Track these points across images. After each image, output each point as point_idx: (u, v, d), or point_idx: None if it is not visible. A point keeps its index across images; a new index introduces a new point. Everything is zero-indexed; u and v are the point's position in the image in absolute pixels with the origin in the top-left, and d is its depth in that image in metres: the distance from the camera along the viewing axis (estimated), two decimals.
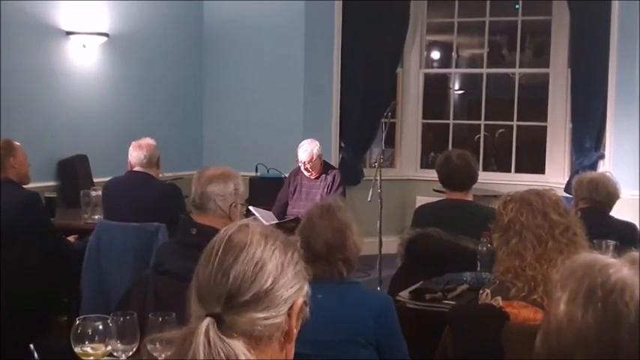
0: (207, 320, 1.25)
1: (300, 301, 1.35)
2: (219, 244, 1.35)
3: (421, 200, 7.16)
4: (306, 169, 5.70)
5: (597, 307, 1.17)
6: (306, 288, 1.38)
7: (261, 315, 1.29)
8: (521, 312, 2.31)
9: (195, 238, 2.77)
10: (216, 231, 3.00)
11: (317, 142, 5.73)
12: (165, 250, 3.04)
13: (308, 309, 1.39)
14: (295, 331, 1.36)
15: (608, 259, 1.23)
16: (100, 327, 1.98)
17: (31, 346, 1.91)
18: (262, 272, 1.31)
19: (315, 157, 5.66)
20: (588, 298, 1.18)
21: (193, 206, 3.04)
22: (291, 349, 1.37)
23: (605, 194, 3.89)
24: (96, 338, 1.98)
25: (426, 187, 7.19)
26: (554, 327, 1.21)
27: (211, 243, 1.38)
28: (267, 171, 6.99)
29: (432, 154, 8.43)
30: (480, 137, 8.12)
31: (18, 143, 4.40)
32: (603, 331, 1.16)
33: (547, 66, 7.71)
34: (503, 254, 2.46)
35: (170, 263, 2.80)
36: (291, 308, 1.33)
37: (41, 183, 5.42)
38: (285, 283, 1.33)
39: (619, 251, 3.02)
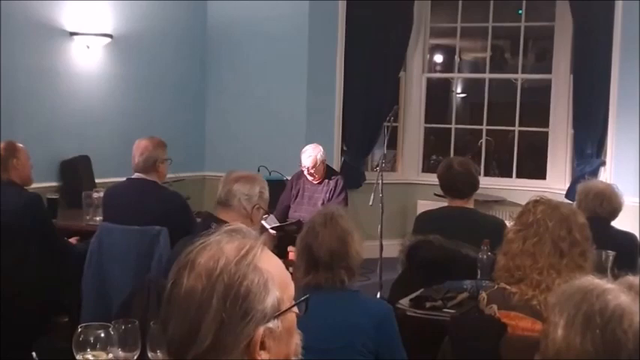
0: None
1: (259, 332, 1.24)
2: (166, 288, 1.28)
3: (422, 204, 7.17)
4: (310, 174, 5.72)
5: (596, 333, 1.18)
6: (271, 303, 1.26)
7: None
8: (519, 324, 2.32)
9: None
10: None
11: (321, 148, 5.76)
12: (184, 247, 3.06)
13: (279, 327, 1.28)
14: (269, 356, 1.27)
15: (605, 284, 1.24)
16: (102, 335, 1.99)
17: (34, 354, 1.92)
18: (200, 333, 1.21)
19: (318, 163, 5.69)
20: (586, 324, 1.19)
21: (218, 203, 3.15)
22: None
23: (609, 210, 3.86)
24: (98, 346, 1.99)
25: (427, 191, 7.19)
26: (552, 352, 1.22)
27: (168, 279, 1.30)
28: (270, 174, 6.99)
29: (434, 157, 8.45)
30: (482, 142, 8.13)
31: (21, 145, 4.39)
32: (602, 358, 1.17)
33: (550, 71, 7.71)
34: (516, 249, 2.43)
35: None
36: (248, 344, 1.24)
37: (43, 183, 5.44)
38: (231, 329, 1.22)
39: (619, 262, 3.04)
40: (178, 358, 1.22)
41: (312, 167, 5.68)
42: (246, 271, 1.25)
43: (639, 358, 1.17)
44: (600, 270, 2.90)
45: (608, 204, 3.87)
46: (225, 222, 2.90)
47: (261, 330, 1.24)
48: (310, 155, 5.69)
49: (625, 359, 1.17)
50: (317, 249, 2.54)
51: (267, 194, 3.22)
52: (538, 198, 2.53)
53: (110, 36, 6.38)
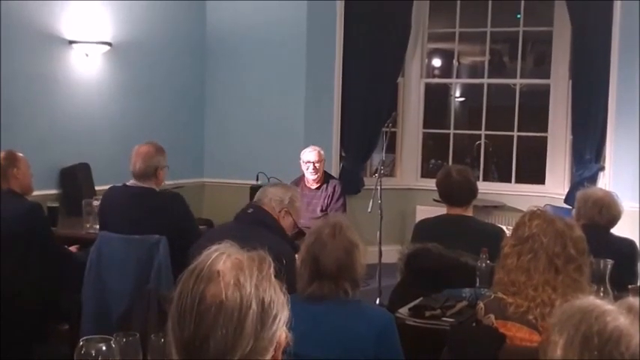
0: None
1: (283, 335, 1.32)
2: (192, 302, 1.29)
3: (421, 209, 7.19)
4: (314, 170, 5.75)
5: (594, 354, 1.20)
6: (287, 313, 1.34)
7: None
8: (517, 334, 2.33)
9: (251, 216, 3.34)
10: (268, 213, 3.23)
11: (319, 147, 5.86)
12: (221, 232, 3.24)
13: (290, 332, 1.36)
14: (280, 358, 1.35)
15: (605, 305, 1.25)
16: (104, 348, 2.00)
17: None
18: (242, 335, 1.27)
19: (322, 157, 5.77)
20: (585, 345, 1.21)
21: (254, 202, 3.48)
22: None
23: (607, 218, 3.85)
24: (99, 359, 1.99)
25: (426, 197, 7.21)
26: None
27: (183, 294, 1.31)
28: (268, 180, 6.99)
29: (433, 161, 8.46)
30: (480, 144, 8.14)
31: (21, 154, 4.39)
32: None
33: (548, 75, 7.73)
34: (511, 264, 2.43)
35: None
36: (275, 346, 1.31)
37: (43, 191, 5.44)
38: (267, 329, 1.29)
39: (618, 269, 3.03)
40: None
41: (318, 161, 5.73)
42: (268, 276, 1.33)
43: None
44: (599, 278, 2.91)
45: (607, 212, 3.86)
46: (260, 207, 3.36)
47: (283, 333, 1.32)
48: (314, 149, 5.78)
49: None
50: (324, 260, 2.54)
51: (298, 204, 3.49)
52: (534, 209, 2.53)
53: (109, 44, 6.39)
